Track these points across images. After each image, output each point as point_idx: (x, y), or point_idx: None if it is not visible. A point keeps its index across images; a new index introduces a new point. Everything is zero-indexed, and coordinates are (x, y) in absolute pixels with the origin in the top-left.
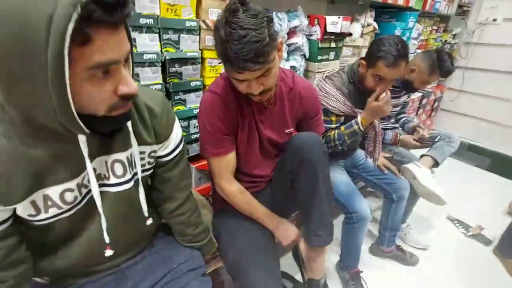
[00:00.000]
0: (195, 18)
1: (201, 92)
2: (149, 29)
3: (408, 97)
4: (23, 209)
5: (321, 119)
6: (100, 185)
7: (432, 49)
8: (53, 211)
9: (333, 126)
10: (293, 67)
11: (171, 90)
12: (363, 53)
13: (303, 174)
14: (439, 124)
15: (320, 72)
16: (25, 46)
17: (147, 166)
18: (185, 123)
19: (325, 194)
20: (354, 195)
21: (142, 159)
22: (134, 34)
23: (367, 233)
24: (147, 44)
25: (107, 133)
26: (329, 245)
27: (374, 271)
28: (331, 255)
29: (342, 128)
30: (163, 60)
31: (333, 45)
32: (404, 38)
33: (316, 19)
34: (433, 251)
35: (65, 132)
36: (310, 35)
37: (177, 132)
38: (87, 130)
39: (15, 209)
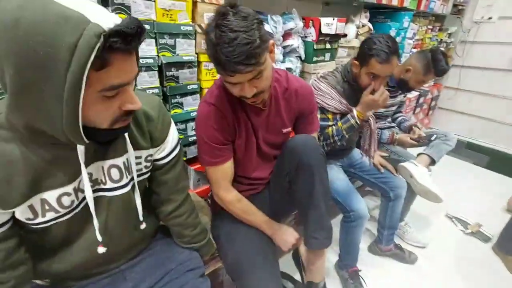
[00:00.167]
0: (190, 23)
1: (198, 95)
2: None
3: (404, 96)
4: (21, 213)
5: (316, 116)
6: (97, 190)
7: (426, 48)
8: (50, 215)
9: (330, 123)
10: (289, 69)
11: (168, 94)
12: None
13: (301, 177)
14: (437, 122)
15: (316, 73)
16: (47, 66)
17: (144, 170)
18: (183, 126)
19: (323, 197)
20: (352, 194)
21: (138, 163)
22: None
23: (366, 232)
24: (144, 48)
25: (105, 141)
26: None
27: (373, 270)
28: (331, 255)
29: (340, 123)
30: (159, 64)
31: (328, 46)
32: (399, 38)
33: (311, 21)
34: (432, 249)
35: (65, 140)
36: (305, 36)
37: (173, 135)
38: (87, 141)
39: (14, 212)
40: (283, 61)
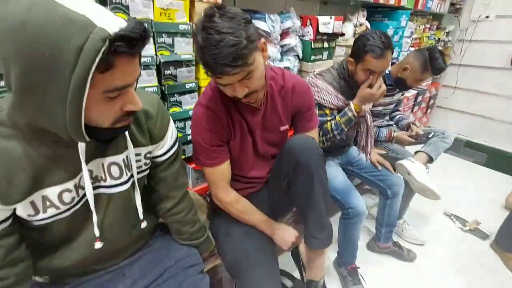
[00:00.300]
0: (188, 22)
1: (196, 93)
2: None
3: (402, 95)
4: (22, 209)
5: (315, 113)
6: (97, 187)
7: (424, 47)
8: (51, 211)
9: (328, 119)
10: (287, 68)
11: (166, 92)
12: None
13: (299, 178)
14: (435, 121)
15: (314, 72)
16: (52, 68)
17: (144, 167)
18: (181, 124)
19: (322, 197)
20: (350, 191)
21: (138, 160)
22: None
23: (364, 230)
24: None
25: (105, 140)
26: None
27: (371, 267)
28: (329, 252)
29: (338, 117)
30: (157, 63)
31: (326, 45)
32: (397, 37)
33: (308, 20)
34: (430, 246)
35: (67, 138)
36: (303, 35)
37: (172, 132)
38: (88, 139)
39: (15, 208)
40: (281, 60)
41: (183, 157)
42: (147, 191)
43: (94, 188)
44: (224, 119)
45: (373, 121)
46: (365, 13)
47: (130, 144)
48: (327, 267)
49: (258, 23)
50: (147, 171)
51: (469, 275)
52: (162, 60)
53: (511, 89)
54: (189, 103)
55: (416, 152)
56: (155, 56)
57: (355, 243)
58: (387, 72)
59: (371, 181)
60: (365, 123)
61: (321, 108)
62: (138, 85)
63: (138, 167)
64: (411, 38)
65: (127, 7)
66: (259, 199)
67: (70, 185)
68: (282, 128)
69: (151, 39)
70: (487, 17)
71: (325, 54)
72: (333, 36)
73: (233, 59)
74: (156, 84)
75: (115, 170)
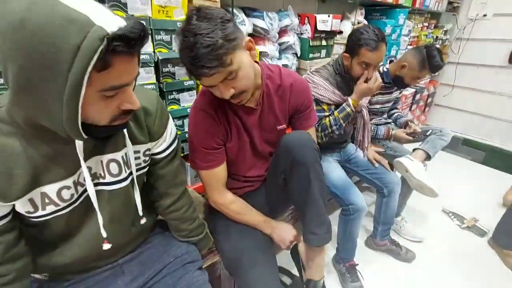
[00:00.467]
0: None
1: (194, 91)
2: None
3: (400, 93)
4: (21, 206)
5: (313, 111)
6: (96, 184)
7: (421, 45)
8: (50, 208)
9: (326, 114)
10: (285, 66)
11: (164, 90)
12: None
13: (296, 175)
14: (433, 119)
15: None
16: (50, 66)
17: (143, 164)
18: (180, 122)
19: (319, 193)
20: (350, 187)
21: (137, 158)
22: None
23: (363, 228)
24: None
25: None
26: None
27: (370, 264)
28: (328, 250)
29: (336, 113)
30: (156, 60)
31: (324, 43)
32: (395, 35)
33: (306, 18)
34: (429, 244)
35: (65, 135)
36: (301, 33)
37: (171, 129)
38: (85, 137)
39: (14, 205)
40: (279, 58)
41: (181, 154)
42: (146, 188)
43: (93, 185)
44: (220, 121)
45: (371, 119)
46: (363, 11)
47: (128, 141)
48: (326, 265)
49: (256, 21)
50: (146, 168)
51: (467, 272)
52: (160, 58)
53: (509, 87)
54: (187, 100)
55: (414, 150)
56: (153, 54)
57: (354, 240)
58: (385, 69)
59: (367, 179)
60: (361, 118)
61: (319, 103)
62: (136, 83)
63: (137, 164)
64: (409, 37)
65: (125, 4)
66: (257, 197)
67: (69, 182)
68: (279, 127)
69: (149, 37)
70: (484, 15)
71: (323, 52)
72: (331, 34)
73: (208, 60)
74: (154, 81)
75: (114, 167)
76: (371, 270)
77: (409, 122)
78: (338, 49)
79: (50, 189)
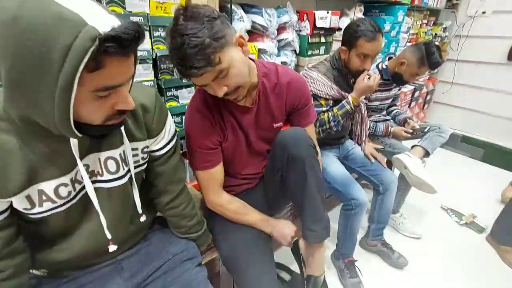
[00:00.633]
0: None
1: (193, 88)
2: (140, 25)
3: (399, 89)
4: (18, 203)
5: (312, 108)
6: (94, 181)
7: (420, 42)
8: (47, 205)
9: (324, 109)
10: (284, 63)
11: (163, 87)
12: None
13: (292, 171)
14: (432, 116)
15: None
16: (40, 65)
17: (141, 162)
18: (178, 119)
19: (316, 188)
20: (351, 183)
21: (135, 155)
22: None
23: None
24: None
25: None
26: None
27: (369, 260)
28: (327, 246)
29: (335, 109)
30: (154, 57)
31: (322, 40)
32: (394, 32)
33: (305, 15)
34: (427, 240)
35: (59, 133)
36: (300, 30)
37: (170, 127)
38: (79, 135)
39: (11, 201)
40: (278, 55)
41: (181, 151)
42: (145, 185)
43: (91, 183)
44: (215, 121)
45: (370, 116)
46: (362, 8)
47: (126, 139)
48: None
49: (255, 18)
50: (145, 165)
51: (465, 268)
52: (158, 54)
53: (508, 84)
54: (186, 97)
55: (412, 147)
56: (151, 50)
57: (355, 235)
58: (384, 66)
59: (364, 175)
60: (359, 113)
61: (316, 99)
62: (135, 79)
63: (135, 162)
64: (408, 34)
65: (123, 1)
66: (256, 195)
67: (66, 179)
68: (276, 125)
69: (147, 33)
70: (483, 12)
71: (322, 49)
72: (330, 31)
73: (196, 60)
74: (153, 78)
75: (111, 165)
76: (370, 266)
77: (407, 119)
78: (337, 46)
79: (47, 186)
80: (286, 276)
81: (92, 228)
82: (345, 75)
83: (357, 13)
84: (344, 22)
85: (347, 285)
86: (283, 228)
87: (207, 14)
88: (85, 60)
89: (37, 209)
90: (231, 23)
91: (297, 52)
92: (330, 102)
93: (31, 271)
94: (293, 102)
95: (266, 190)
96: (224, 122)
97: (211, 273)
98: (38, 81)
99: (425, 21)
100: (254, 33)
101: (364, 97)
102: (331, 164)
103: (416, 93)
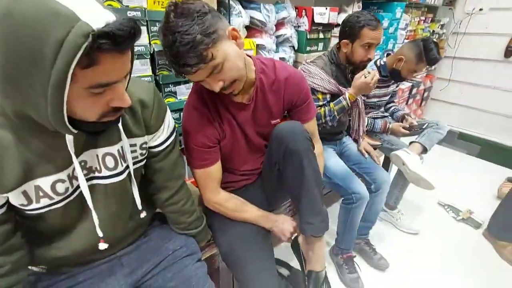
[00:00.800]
0: None
1: (191, 83)
2: (136, 21)
3: (397, 86)
4: (15, 199)
5: (312, 104)
6: (92, 178)
7: (419, 38)
8: (44, 201)
9: (321, 103)
10: (282, 59)
11: (161, 82)
12: None
13: (289, 164)
14: (430, 113)
15: None
16: (33, 60)
17: (140, 158)
18: (176, 115)
19: (314, 181)
20: (351, 177)
21: (133, 151)
22: None
23: None
24: None
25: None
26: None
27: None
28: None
29: (331, 104)
30: (151, 52)
31: (321, 36)
32: (392, 28)
33: (303, 10)
34: (424, 235)
35: (54, 129)
36: (298, 26)
37: (168, 122)
38: (74, 131)
39: (8, 197)
40: (276, 51)
41: (180, 148)
42: (144, 181)
43: (89, 179)
44: (213, 117)
45: (369, 113)
46: (360, 4)
47: (124, 136)
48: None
49: (253, 13)
50: (144, 162)
51: (462, 263)
52: (156, 49)
53: (504, 82)
54: (184, 93)
55: (410, 143)
56: (148, 45)
57: (354, 230)
58: (382, 63)
59: (357, 173)
60: (356, 107)
61: (314, 92)
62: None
63: (133, 158)
64: (406, 30)
65: None
66: (254, 191)
67: (63, 175)
68: (273, 122)
69: (144, 28)
70: (480, 9)
71: (321, 45)
72: (328, 27)
73: (189, 58)
74: (150, 74)
75: (109, 161)
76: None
77: (405, 116)
78: (335, 43)
79: (44, 182)
80: (285, 272)
81: (90, 225)
82: (343, 70)
83: (356, 9)
84: (342, 19)
85: (346, 280)
86: (282, 223)
87: (197, 9)
88: (78, 56)
89: (34, 205)
90: (229, 18)
91: (296, 48)
92: (328, 96)
93: (29, 267)
94: (292, 98)
95: (264, 185)
96: (221, 119)
97: (210, 269)
98: (31, 76)
99: (423, 18)
100: (253, 28)
101: (364, 96)
102: (330, 158)
103: (414, 90)
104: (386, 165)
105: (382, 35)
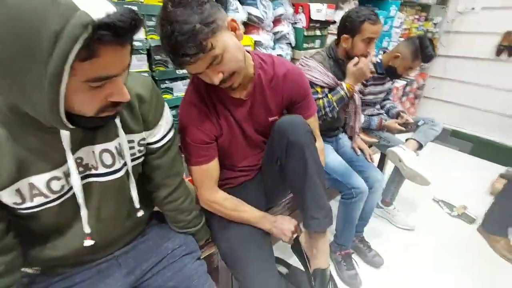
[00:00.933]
0: None
1: (187, 80)
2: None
3: (392, 83)
4: (8, 197)
5: (312, 101)
6: (88, 176)
7: (414, 36)
8: (39, 199)
9: (320, 96)
10: (279, 56)
11: (157, 78)
12: None
13: (291, 158)
14: (423, 111)
15: None
16: (30, 53)
17: (138, 154)
18: (173, 112)
19: (317, 174)
20: (350, 172)
21: (131, 148)
22: None
23: None
24: None
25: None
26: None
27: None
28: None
29: (330, 95)
30: (148, 47)
31: (318, 33)
32: (387, 26)
33: (300, 7)
34: (420, 231)
35: (50, 125)
36: (295, 23)
37: (167, 118)
38: (71, 127)
39: (1, 196)
40: (273, 48)
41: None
42: (142, 179)
43: (85, 176)
44: (210, 114)
45: (365, 110)
46: (356, 1)
47: (121, 131)
48: None
49: (251, 9)
50: (142, 158)
51: (457, 258)
52: (152, 45)
53: (496, 80)
54: (180, 90)
55: (406, 140)
56: (145, 40)
57: (353, 225)
58: (378, 60)
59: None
60: (353, 103)
61: (312, 86)
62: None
63: (131, 154)
64: (400, 29)
65: None
66: (253, 187)
67: (58, 172)
68: (271, 119)
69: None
70: (472, 8)
71: (318, 42)
72: (325, 24)
73: (188, 48)
74: (147, 69)
75: (107, 158)
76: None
77: (401, 113)
78: (332, 39)
79: (39, 180)
80: (283, 270)
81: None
82: (341, 65)
83: (352, 6)
84: (339, 16)
85: (344, 277)
86: (282, 223)
87: None
88: (76, 48)
89: (27, 204)
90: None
91: (293, 45)
92: (326, 90)
93: (22, 269)
94: (290, 94)
95: (264, 181)
96: (218, 115)
97: (209, 268)
98: (27, 70)
99: (417, 16)
100: (250, 25)
101: (357, 89)
102: (329, 155)
103: (407, 88)
104: (383, 162)
105: (381, 29)
